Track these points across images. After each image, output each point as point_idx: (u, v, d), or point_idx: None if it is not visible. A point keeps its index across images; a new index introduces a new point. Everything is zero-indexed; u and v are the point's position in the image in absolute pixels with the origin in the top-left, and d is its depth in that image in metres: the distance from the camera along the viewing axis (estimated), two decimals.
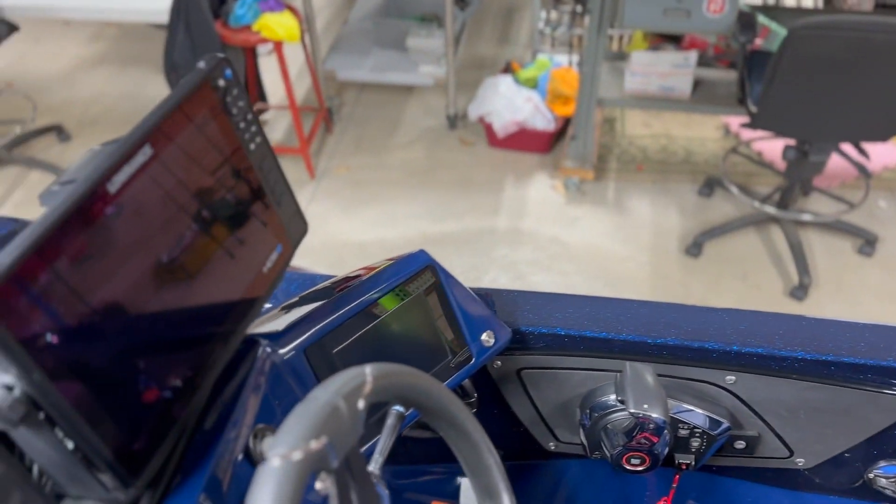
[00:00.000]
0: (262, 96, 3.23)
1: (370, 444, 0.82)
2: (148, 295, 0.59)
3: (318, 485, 0.53)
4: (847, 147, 2.62)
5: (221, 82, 0.68)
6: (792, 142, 2.39)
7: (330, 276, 1.05)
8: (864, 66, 2.01)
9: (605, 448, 0.98)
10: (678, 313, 1.01)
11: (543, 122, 3.02)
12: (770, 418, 0.99)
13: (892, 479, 1.01)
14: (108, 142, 0.62)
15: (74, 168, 0.61)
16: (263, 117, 3.32)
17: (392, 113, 3.42)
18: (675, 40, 3.02)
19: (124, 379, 0.57)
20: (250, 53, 3.01)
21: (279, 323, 0.81)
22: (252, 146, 0.72)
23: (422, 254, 0.91)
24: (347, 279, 0.89)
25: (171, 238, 0.62)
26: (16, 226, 1.08)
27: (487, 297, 1.02)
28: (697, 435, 0.98)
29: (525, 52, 3.73)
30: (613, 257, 2.65)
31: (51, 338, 0.51)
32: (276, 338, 0.78)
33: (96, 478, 0.57)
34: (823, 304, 2.47)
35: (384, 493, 0.69)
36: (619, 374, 0.96)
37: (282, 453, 0.47)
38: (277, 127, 3.33)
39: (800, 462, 1.03)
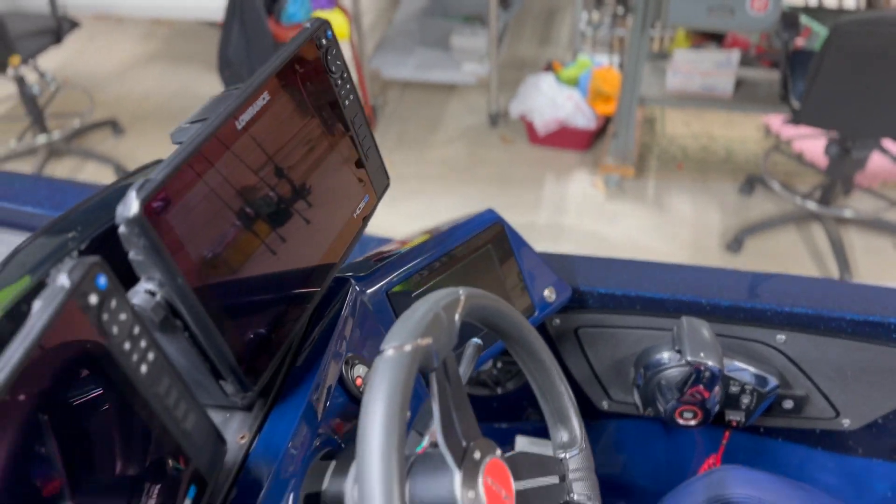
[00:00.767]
0: None
1: None
2: (266, 228, 0.66)
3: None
4: (889, 144, 2.63)
5: (324, 41, 0.75)
6: (835, 137, 2.41)
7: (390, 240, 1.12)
8: None
9: (658, 403, 1.03)
10: (730, 277, 1.06)
11: (584, 120, 3.07)
12: (818, 378, 1.03)
13: None
14: (231, 87, 0.69)
15: (201, 110, 0.69)
16: None
17: (434, 111, 3.49)
18: (717, 40, 3.05)
19: (247, 299, 0.65)
20: None
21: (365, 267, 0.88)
22: (347, 102, 0.79)
23: (490, 212, 0.97)
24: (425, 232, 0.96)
25: (280, 179, 0.69)
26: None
27: (547, 260, 1.08)
28: (748, 392, 1.03)
29: (565, 52, 3.79)
30: (653, 253, 2.69)
31: (192, 250, 0.58)
32: (363, 280, 0.84)
33: (219, 384, 0.65)
34: None
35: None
36: (675, 327, 1.01)
37: (395, 345, 0.54)
38: None
39: (846, 423, 1.07)
